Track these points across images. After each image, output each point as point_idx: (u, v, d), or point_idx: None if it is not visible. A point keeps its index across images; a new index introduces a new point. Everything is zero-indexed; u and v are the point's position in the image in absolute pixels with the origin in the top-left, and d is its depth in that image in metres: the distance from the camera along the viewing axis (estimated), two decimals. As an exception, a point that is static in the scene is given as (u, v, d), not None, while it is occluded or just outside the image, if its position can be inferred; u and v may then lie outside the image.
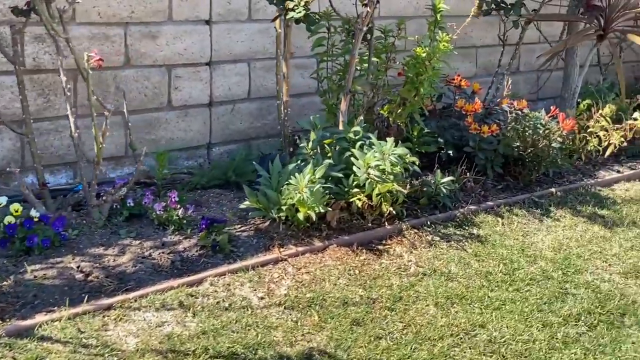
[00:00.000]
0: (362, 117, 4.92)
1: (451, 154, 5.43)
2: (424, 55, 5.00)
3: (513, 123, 5.29)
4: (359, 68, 5.14)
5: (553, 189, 5.48)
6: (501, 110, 5.44)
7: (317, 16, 4.49)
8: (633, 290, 4.31)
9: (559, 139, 5.36)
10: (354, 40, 4.77)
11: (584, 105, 6.15)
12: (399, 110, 5.19)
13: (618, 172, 6.07)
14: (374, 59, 5.13)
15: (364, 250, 4.26)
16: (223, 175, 4.81)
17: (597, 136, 6.01)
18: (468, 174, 5.25)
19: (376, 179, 4.32)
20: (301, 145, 4.59)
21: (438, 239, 4.55)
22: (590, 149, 6.01)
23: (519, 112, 5.32)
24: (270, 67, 5.60)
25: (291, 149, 4.79)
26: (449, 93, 5.83)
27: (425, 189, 4.87)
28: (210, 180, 4.80)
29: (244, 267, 3.85)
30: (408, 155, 4.54)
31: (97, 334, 3.23)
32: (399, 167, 4.37)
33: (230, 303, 3.59)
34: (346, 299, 3.78)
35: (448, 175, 5.07)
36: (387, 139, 4.48)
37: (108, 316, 3.37)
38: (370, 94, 5.11)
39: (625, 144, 5.97)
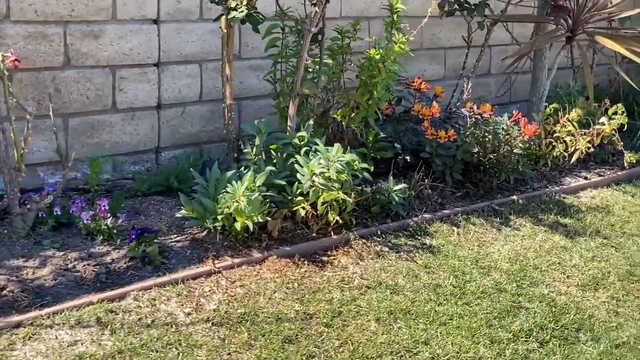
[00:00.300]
0: (311, 122, 4.71)
1: (408, 160, 5.22)
2: (377, 57, 4.79)
3: (472, 128, 5.09)
4: (311, 70, 4.94)
5: (515, 197, 5.28)
6: (462, 114, 5.23)
7: (261, 16, 4.28)
8: (590, 303, 4.11)
9: (520, 144, 5.16)
10: (302, 42, 4.57)
11: (550, 109, 5.94)
12: (353, 115, 4.98)
13: (585, 178, 5.87)
14: (328, 60, 4.92)
15: (306, 262, 4.05)
16: (165, 182, 4.59)
17: (564, 141, 5.81)
18: (426, 180, 5.05)
19: (321, 186, 4.11)
20: (245, 150, 4.38)
21: (387, 249, 4.34)
22: (557, 155, 5.81)
23: (479, 117, 5.11)
24: (223, 68, 5.40)
25: (236, 155, 4.57)
26: (409, 97, 5.62)
27: (377, 196, 4.66)
28: (152, 186, 4.58)
29: (173, 280, 3.63)
30: (357, 162, 4.33)
31: (0, 355, 3.01)
32: (345, 174, 4.16)
33: (153, 319, 3.37)
34: (280, 314, 3.57)
35: (405, 182, 4.88)
36: (335, 144, 4.27)
37: (16, 334, 3.15)
38: (321, 97, 4.89)
39: (592, 149, 5.76)
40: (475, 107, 5.21)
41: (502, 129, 5.18)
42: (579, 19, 6.04)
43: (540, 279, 4.28)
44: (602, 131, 5.73)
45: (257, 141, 4.35)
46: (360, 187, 4.63)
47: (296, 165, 4.18)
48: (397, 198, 4.63)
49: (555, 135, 5.83)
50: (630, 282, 4.39)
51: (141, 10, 5.00)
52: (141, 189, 4.57)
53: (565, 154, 5.78)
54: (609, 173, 6.01)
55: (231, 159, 4.58)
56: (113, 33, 4.90)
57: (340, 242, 4.29)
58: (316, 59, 4.92)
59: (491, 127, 5.09)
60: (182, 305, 3.51)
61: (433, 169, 5.14)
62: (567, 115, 5.79)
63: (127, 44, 4.96)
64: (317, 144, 4.31)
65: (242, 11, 4.14)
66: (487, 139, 5.10)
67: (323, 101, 5.20)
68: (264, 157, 4.34)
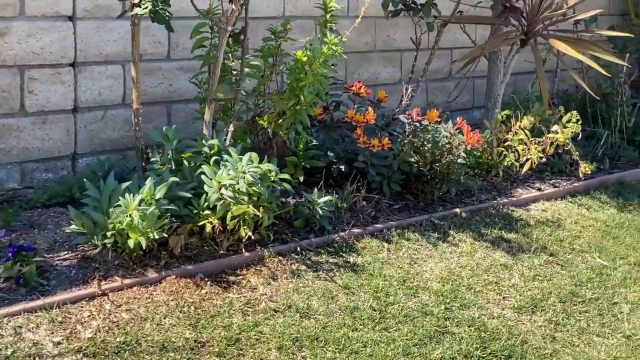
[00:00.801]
0: (231, 128, 4.35)
1: (344, 170, 4.85)
2: (304, 59, 4.43)
3: (410, 136, 4.72)
4: (235, 72, 4.58)
5: (458, 209, 4.92)
6: (400, 121, 4.88)
7: (168, 12, 3.91)
8: (525, 327, 3.76)
9: (463, 154, 4.79)
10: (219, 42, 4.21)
11: (502, 116, 5.58)
12: (280, 121, 4.61)
13: (538, 190, 5.51)
14: (256, 62, 4.57)
15: (209, 282, 3.68)
16: (68, 192, 4.22)
17: (516, 150, 5.45)
18: (362, 191, 4.68)
19: (229, 199, 3.74)
20: (152, 159, 4.02)
21: (305, 268, 3.97)
22: (508, 165, 5.44)
23: (417, 124, 4.75)
24: (150, 69, 5.05)
25: (144, 164, 4.20)
26: (350, 102, 5.26)
27: (300, 209, 4.29)
28: (53, 197, 4.21)
29: (48, 304, 3.25)
30: (274, 172, 3.96)
31: None
32: (258, 186, 3.79)
33: (14, 350, 3.00)
34: (167, 342, 3.20)
35: (337, 194, 4.52)
36: (248, 153, 3.90)
37: None
38: (250, 102, 4.54)
39: (544, 159, 5.40)
40: (415, 114, 4.84)
41: (444, 137, 4.81)
42: (533, 21, 5.69)
43: (473, 300, 3.92)
44: (556, 140, 5.36)
45: (167, 149, 3.98)
46: (283, 199, 4.26)
47: (203, 177, 3.80)
48: (321, 211, 4.26)
49: (506, 143, 5.47)
50: (572, 304, 4.03)
51: (54, 6, 4.65)
52: (41, 199, 4.20)
53: (517, 164, 5.41)
54: (564, 184, 5.65)
55: (140, 168, 4.21)
56: (21, 30, 4.54)
57: (253, 260, 3.92)
58: (251, 62, 4.59)
59: (430, 135, 4.73)
60: (53, 333, 3.13)
61: (369, 180, 4.77)
62: (519, 123, 5.42)
63: (37, 42, 4.61)
64: (229, 153, 3.94)
65: (146, 7, 3.77)
66: (426, 148, 4.73)
67: (255, 106, 4.85)
68: (173, 167, 3.97)
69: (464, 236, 4.62)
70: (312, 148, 4.80)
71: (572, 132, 5.37)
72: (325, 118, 5.00)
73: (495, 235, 4.68)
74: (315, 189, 4.36)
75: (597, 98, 6.20)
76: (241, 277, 3.80)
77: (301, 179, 4.68)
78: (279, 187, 4.07)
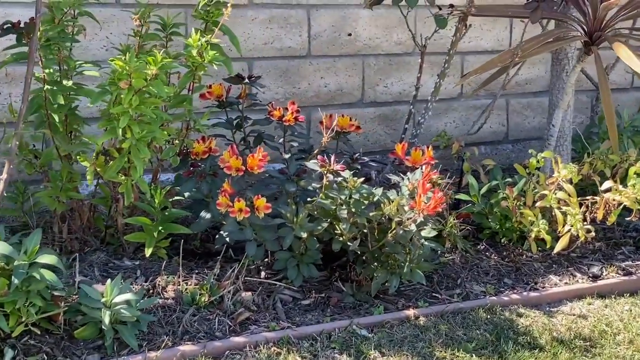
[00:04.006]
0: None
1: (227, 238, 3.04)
2: (127, 69, 2.68)
3: (320, 196, 2.86)
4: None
5: (412, 311, 2.94)
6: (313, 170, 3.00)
7: None
8: None
9: (410, 226, 2.83)
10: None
11: (539, 160, 3.48)
12: (111, 164, 2.89)
13: (593, 277, 3.40)
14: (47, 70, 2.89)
15: None
16: None
17: (551, 215, 3.38)
18: (240, 277, 2.87)
19: None
20: None
21: None
22: (538, 236, 3.37)
23: (332, 176, 2.87)
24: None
25: None
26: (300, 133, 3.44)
27: (85, 312, 2.55)
28: None
29: None
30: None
31: None
32: None
33: None
34: None
35: (203, 278, 2.79)
36: None
37: None
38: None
39: (592, 234, 3.28)
40: (331, 160, 2.94)
41: (373, 199, 2.89)
42: (601, 16, 3.59)
43: None
44: (616, 202, 3.24)
45: None
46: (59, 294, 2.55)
47: None
48: (121, 314, 2.49)
49: (537, 204, 3.40)
50: None
51: None
52: None
53: (548, 238, 3.32)
54: (643, 268, 3.47)
55: None
56: None
57: None
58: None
59: (346, 195, 2.82)
60: None
61: (248, 258, 2.94)
62: (557, 173, 3.35)
63: None
64: None
65: None
66: (343, 215, 2.83)
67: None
68: None
69: (396, 364, 2.65)
70: (176, 205, 3.04)
71: (642, 190, 3.21)
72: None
73: (455, 366, 2.67)
74: (109, 282, 2.58)
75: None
76: None
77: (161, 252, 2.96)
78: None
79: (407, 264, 2.85)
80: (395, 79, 4.49)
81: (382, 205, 2.85)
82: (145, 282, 2.90)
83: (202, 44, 2.84)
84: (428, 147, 3.30)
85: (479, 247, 3.55)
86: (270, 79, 4.13)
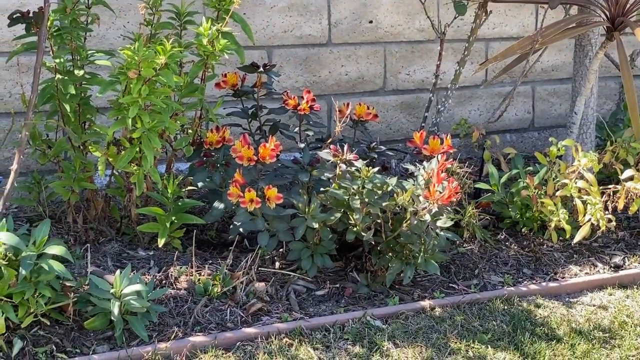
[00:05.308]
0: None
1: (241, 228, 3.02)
2: (135, 59, 2.66)
3: (332, 185, 2.82)
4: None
5: (427, 302, 2.91)
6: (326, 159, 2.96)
7: None
8: None
9: (424, 217, 2.78)
10: None
11: (559, 148, 3.41)
12: (120, 154, 2.89)
13: (615, 267, 3.32)
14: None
15: None
16: None
17: (572, 204, 3.32)
18: (254, 267, 2.85)
19: None
20: None
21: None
22: (558, 226, 3.31)
23: (345, 166, 2.83)
24: None
25: None
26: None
27: (95, 303, 2.54)
28: None
29: None
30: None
31: None
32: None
33: None
34: None
35: (217, 268, 2.78)
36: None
37: None
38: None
39: (613, 223, 3.20)
40: (345, 148, 2.91)
41: (387, 189, 2.85)
42: (622, 2, 3.51)
43: None
44: (635, 191, 3.16)
45: None
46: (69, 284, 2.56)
47: None
48: (131, 305, 2.48)
49: (558, 193, 3.33)
50: None
51: None
52: None
53: (568, 228, 3.26)
54: (671, 258, 3.39)
55: None
56: None
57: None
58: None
59: (359, 185, 2.78)
60: None
61: (261, 248, 2.92)
62: (577, 161, 3.27)
63: None
64: None
65: None
66: (357, 205, 2.79)
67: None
68: None
69: (409, 356, 2.61)
70: (192, 195, 3.03)
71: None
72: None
73: None
74: (118, 272, 2.57)
75: None
76: None
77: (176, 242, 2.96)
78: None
79: (421, 254, 2.80)
80: (418, 66, 4.43)
81: (395, 195, 2.80)
82: (159, 272, 2.89)
83: (212, 33, 2.81)
84: (447, 136, 3.25)
85: (498, 236, 3.49)
86: (289, 67, 4.10)
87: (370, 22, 4.26)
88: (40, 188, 3.16)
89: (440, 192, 2.78)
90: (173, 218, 2.99)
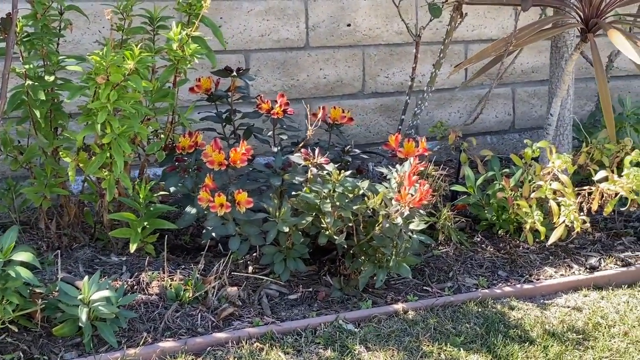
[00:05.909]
0: None
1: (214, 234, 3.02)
2: (103, 64, 2.66)
3: (305, 190, 2.82)
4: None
5: (400, 305, 2.90)
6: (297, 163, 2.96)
7: None
8: None
9: (397, 220, 2.78)
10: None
11: (535, 150, 3.41)
12: (93, 160, 2.88)
13: (590, 268, 3.32)
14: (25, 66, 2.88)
15: None
16: None
17: (547, 206, 3.32)
18: (226, 272, 2.85)
19: None
20: None
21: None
22: (532, 228, 3.32)
23: (316, 169, 2.83)
24: None
25: None
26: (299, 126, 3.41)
27: (63, 310, 2.54)
28: None
29: None
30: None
31: None
32: None
33: None
34: None
35: (189, 273, 2.78)
36: None
37: None
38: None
39: (587, 225, 3.20)
40: (314, 153, 2.91)
41: (358, 192, 2.85)
42: (596, 4, 3.51)
43: None
44: (612, 192, 3.16)
45: None
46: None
47: None
48: (99, 311, 2.48)
49: (533, 194, 3.33)
50: None
51: None
52: None
53: (542, 230, 3.26)
54: (644, 259, 3.40)
55: None
56: None
57: None
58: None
59: (329, 188, 2.78)
60: None
61: (232, 253, 2.91)
62: (551, 163, 3.28)
63: None
64: None
65: None
66: (327, 208, 2.79)
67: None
68: None
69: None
70: (163, 199, 3.03)
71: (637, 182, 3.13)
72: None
73: (439, 360, 2.63)
74: (86, 279, 2.56)
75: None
76: None
77: (133, 248, 2.93)
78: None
79: (393, 257, 2.80)
80: (396, 69, 4.43)
81: (366, 198, 2.80)
82: (130, 278, 2.88)
83: (183, 38, 2.81)
84: (422, 139, 3.25)
85: (474, 239, 3.49)
86: (267, 71, 4.10)
87: (349, 25, 4.26)
88: (13, 194, 3.15)
89: (412, 195, 2.78)
90: (145, 223, 2.98)
